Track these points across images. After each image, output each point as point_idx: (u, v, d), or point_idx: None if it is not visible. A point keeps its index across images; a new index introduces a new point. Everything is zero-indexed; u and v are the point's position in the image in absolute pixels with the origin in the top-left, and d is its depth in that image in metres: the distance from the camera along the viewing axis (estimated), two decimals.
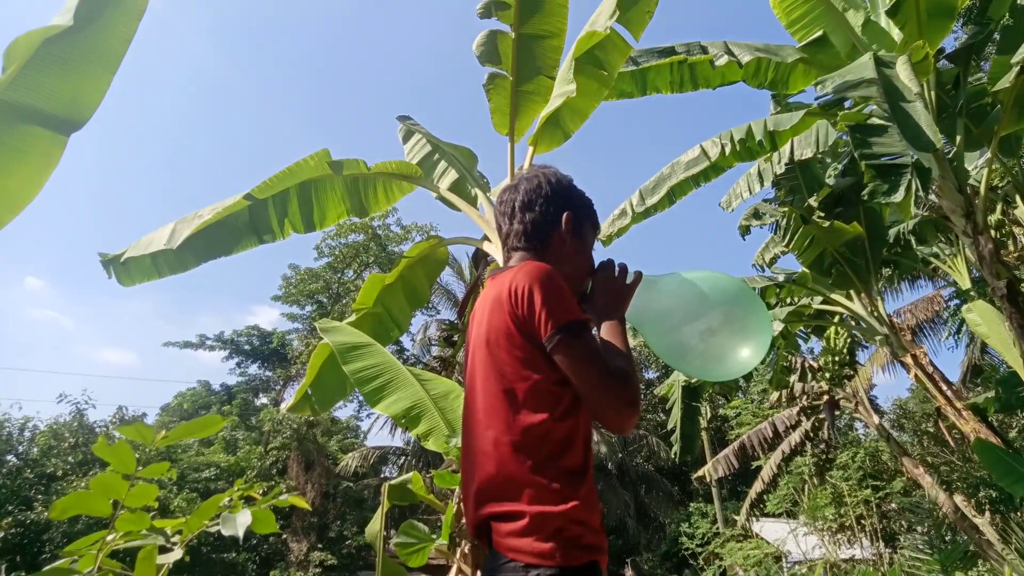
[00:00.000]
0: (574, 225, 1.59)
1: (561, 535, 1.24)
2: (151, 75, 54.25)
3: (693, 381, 8.45)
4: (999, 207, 8.27)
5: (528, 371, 1.36)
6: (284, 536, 20.04)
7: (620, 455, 22.19)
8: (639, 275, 1.61)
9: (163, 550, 1.75)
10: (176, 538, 1.79)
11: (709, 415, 8.81)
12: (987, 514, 7.88)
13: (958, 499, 7.78)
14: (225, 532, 1.75)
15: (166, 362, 56.23)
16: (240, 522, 1.75)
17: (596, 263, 1.65)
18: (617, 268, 1.60)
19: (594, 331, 1.57)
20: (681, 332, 1.66)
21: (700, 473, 15.45)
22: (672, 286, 1.66)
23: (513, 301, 1.38)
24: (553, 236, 1.57)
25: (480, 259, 5.27)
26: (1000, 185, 8.12)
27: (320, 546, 20.31)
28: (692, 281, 1.65)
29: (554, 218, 1.57)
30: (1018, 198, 7.51)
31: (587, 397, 1.34)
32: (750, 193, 7.73)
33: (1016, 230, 8.66)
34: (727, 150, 6.46)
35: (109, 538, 1.64)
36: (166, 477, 1.64)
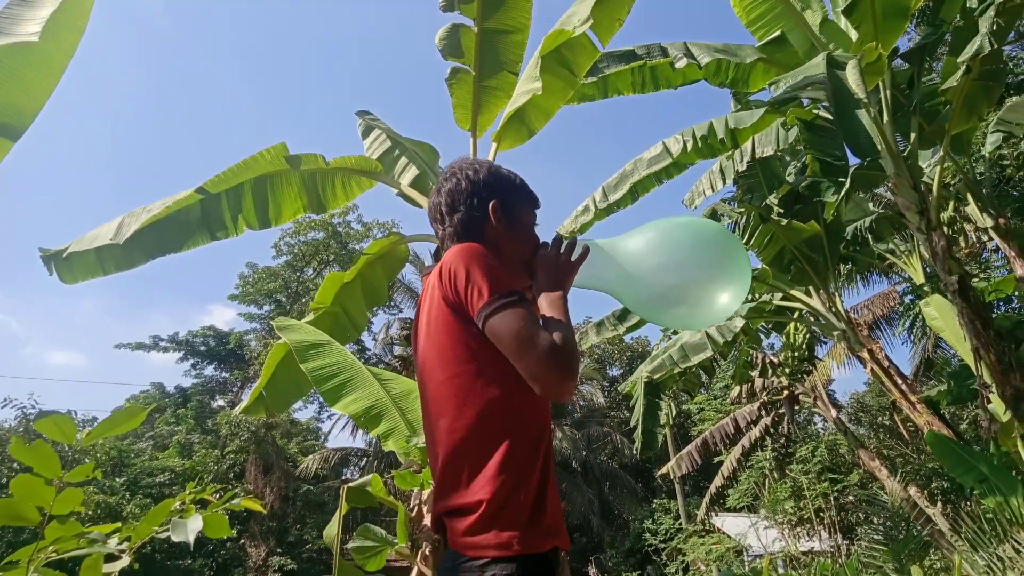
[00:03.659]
0: (504, 211, 1.54)
1: (519, 521, 1.20)
2: (99, 62, 52.76)
3: (656, 377, 8.51)
4: (951, 204, 8.51)
5: (468, 353, 1.32)
6: (242, 541, 19.63)
7: (584, 453, 22.30)
8: (586, 248, 1.54)
9: (111, 558, 1.66)
10: (124, 545, 1.70)
11: (673, 412, 8.86)
12: (939, 504, 8.08)
13: (911, 490, 7.97)
14: (175, 538, 1.67)
15: (118, 364, 54.71)
16: (191, 528, 1.67)
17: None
18: (564, 244, 1.54)
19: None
20: (658, 284, 1.62)
21: (664, 470, 15.61)
22: (646, 240, 1.61)
23: (444, 283, 1.35)
24: (486, 229, 1.53)
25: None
26: (952, 183, 8.35)
27: (279, 551, 19.94)
28: (668, 230, 1.62)
29: (481, 212, 1.53)
30: (969, 196, 7.72)
31: (519, 366, 1.27)
32: (712, 190, 7.80)
33: (967, 227, 8.92)
34: (689, 146, 6.50)
35: (50, 548, 1.53)
36: (91, 478, 1.49)
